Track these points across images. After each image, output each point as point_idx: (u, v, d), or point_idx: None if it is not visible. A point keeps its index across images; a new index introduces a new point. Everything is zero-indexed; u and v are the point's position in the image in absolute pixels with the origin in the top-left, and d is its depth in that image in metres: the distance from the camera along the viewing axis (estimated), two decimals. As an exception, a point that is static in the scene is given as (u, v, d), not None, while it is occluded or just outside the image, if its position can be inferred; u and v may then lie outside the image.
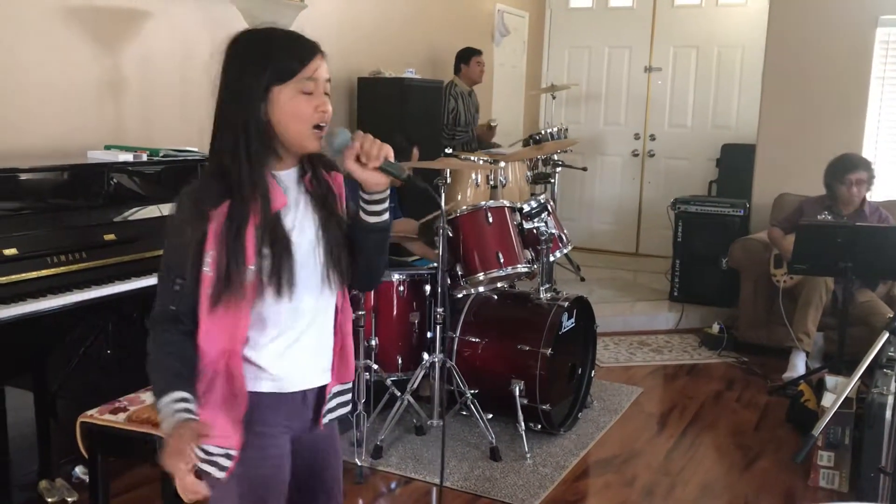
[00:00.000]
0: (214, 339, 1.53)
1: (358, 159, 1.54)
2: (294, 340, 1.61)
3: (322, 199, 1.62)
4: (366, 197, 1.60)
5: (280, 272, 1.52)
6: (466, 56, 5.93)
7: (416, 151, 4.13)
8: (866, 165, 4.43)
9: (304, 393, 1.66)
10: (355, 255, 1.65)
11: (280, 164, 1.58)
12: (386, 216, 1.64)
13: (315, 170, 1.63)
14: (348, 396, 1.79)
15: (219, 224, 1.48)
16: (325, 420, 1.71)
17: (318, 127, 1.54)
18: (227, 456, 1.57)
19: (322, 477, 1.77)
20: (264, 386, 1.60)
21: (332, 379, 1.70)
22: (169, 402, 1.50)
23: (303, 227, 1.59)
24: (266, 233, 1.50)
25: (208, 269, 1.49)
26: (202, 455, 1.57)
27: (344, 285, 1.67)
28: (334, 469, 1.81)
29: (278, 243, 1.52)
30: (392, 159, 1.57)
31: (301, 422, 1.68)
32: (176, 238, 1.52)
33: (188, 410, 1.50)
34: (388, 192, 1.62)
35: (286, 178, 1.59)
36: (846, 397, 3.00)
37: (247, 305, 1.52)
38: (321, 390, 1.69)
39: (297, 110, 1.52)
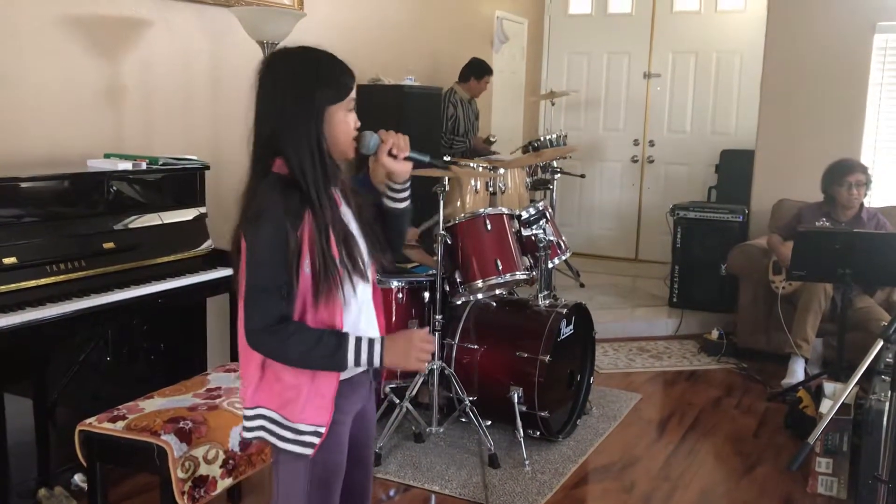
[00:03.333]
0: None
1: (390, 153, 1.81)
2: (357, 325, 1.79)
3: (353, 197, 1.85)
4: (396, 187, 1.89)
5: (355, 262, 1.73)
6: (481, 72, 5.92)
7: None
8: (863, 168, 4.46)
9: (367, 374, 1.85)
10: (390, 236, 1.92)
11: None
12: (409, 199, 1.92)
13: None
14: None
15: (310, 230, 1.67)
16: (384, 391, 1.89)
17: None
18: (316, 433, 1.74)
19: (366, 448, 1.97)
20: (344, 373, 1.76)
21: None
22: (354, 346, 1.69)
23: (350, 222, 1.80)
24: (339, 230, 1.72)
25: (308, 270, 1.67)
26: (289, 435, 1.74)
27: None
28: (371, 443, 2.01)
29: (348, 236, 1.74)
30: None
31: (363, 400, 1.88)
32: (273, 250, 1.64)
33: (373, 339, 1.72)
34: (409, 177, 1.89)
35: None
36: (845, 403, 3.02)
37: (338, 295, 1.71)
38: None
39: (346, 126, 1.75)
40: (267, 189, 1.68)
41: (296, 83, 1.70)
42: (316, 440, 1.73)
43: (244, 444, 2.47)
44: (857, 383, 2.19)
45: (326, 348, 1.67)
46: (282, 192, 1.66)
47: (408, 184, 1.91)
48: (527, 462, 3.44)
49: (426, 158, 1.87)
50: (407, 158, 1.84)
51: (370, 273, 1.82)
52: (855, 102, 5.32)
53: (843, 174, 4.40)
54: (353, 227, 1.80)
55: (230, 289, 3.34)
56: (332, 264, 1.67)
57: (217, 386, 2.69)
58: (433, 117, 5.57)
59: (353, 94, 1.75)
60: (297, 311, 1.69)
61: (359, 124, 1.79)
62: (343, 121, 1.74)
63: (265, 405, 1.76)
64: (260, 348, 1.69)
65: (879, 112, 5.37)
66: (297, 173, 1.68)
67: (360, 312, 1.80)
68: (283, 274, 1.64)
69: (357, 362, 1.69)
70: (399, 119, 5.08)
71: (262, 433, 1.78)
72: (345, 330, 1.73)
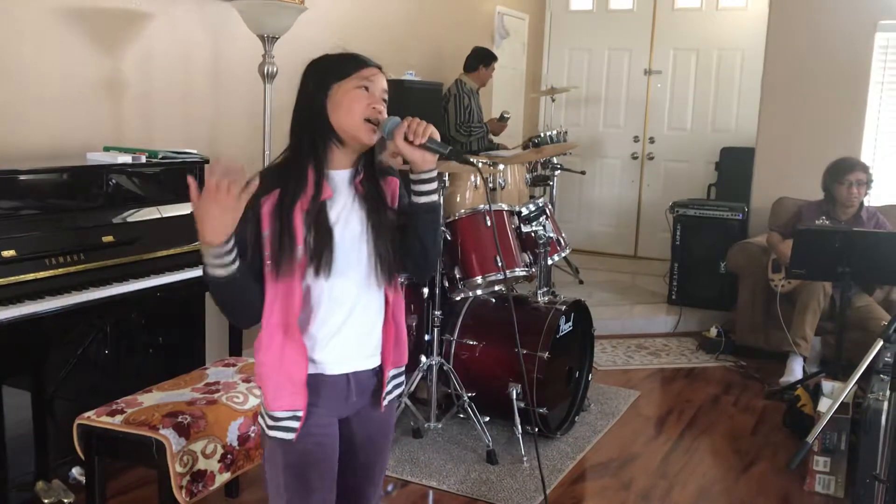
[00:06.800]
0: (274, 309, 1.71)
1: (406, 139, 1.72)
2: (337, 327, 1.76)
3: (371, 200, 1.77)
4: (415, 178, 1.77)
5: (320, 254, 1.68)
6: (488, 59, 5.96)
7: None
8: (864, 167, 4.46)
9: (347, 377, 1.79)
10: (410, 241, 1.79)
11: (336, 164, 1.76)
12: (435, 196, 1.79)
13: (369, 172, 1.80)
14: (402, 378, 1.96)
15: (270, 207, 1.68)
16: (385, 401, 1.87)
17: (369, 121, 1.72)
18: (295, 417, 1.73)
19: (370, 456, 1.91)
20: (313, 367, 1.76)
21: (388, 363, 1.85)
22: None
23: (347, 221, 1.74)
24: (311, 218, 1.68)
25: (268, 240, 1.69)
26: (270, 422, 1.75)
27: (393, 279, 1.81)
28: (382, 451, 1.95)
29: (320, 229, 1.69)
30: (438, 139, 1.74)
31: (348, 404, 1.82)
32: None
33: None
34: (436, 173, 1.78)
35: (338, 178, 1.77)
36: (843, 402, 3.01)
37: (298, 282, 1.69)
38: (375, 373, 1.84)
39: (351, 103, 1.71)
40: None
41: (308, 78, 1.77)
42: (296, 424, 1.73)
43: (242, 438, 2.47)
44: (855, 382, 2.19)
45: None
46: (270, 169, 1.76)
47: (432, 174, 1.76)
48: (525, 458, 3.44)
49: (446, 151, 1.73)
50: (423, 147, 1.72)
51: (350, 284, 1.75)
52: (856, 101, 5.32)
53: (844, 172, 4.40)
54: (351, 228, 1.74)
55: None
56: (289, 245, 1.66)
57: (215, 380, 2.69)
58: (433, 112, 5.56)
59: (365, 74, 1.75)
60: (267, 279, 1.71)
61: (381, 109, 1.75)
62: (347, 96, 1.72)
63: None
64: None
65: (880, 111, 5.37)
66: (288, 154, 1.76)
67: (331, 313, 1.75)
68: (242, 243, 1.66)
69: (206, 262, 1.68)
70: (399, 114, 5.07)
71: (259, 420, 1.82)
72: (310, 325, 1.75)
